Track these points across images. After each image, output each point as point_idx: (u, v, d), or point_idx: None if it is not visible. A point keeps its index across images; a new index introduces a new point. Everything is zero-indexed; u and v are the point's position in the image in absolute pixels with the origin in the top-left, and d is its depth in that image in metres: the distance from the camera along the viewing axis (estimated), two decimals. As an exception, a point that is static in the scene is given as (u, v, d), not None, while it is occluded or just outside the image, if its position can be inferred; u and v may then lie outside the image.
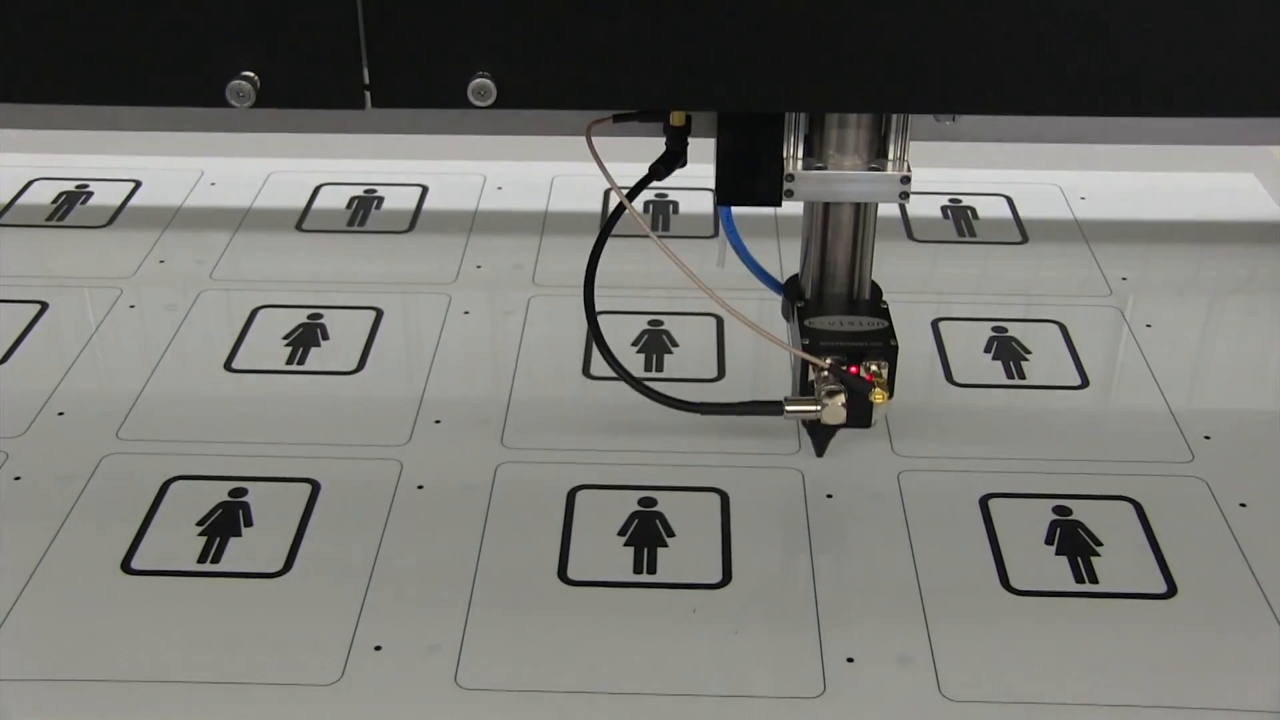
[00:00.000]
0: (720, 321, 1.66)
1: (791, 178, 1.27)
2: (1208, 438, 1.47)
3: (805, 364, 1.32)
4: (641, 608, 1.25)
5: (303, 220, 1.92)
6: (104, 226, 1.90)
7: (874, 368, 1.30)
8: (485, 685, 1.18)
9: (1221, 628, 1.24)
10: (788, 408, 1.33)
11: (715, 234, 1.86)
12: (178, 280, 1.77)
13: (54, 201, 1.96)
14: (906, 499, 1.38)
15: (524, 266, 1.79)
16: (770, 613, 1.25)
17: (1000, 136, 1.42)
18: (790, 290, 1.41)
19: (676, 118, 1.30)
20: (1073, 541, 1.33)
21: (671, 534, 1.34)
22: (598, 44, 1.11)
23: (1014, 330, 1.66)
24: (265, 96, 1.12)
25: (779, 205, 1.29)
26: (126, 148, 2.08)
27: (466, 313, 1.69)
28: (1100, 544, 1.33)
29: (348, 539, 1.33)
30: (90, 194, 1.98)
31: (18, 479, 1.40)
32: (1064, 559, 1.31)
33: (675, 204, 1.94)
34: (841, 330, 1.31)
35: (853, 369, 1.30)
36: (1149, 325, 1.67)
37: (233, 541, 1.33)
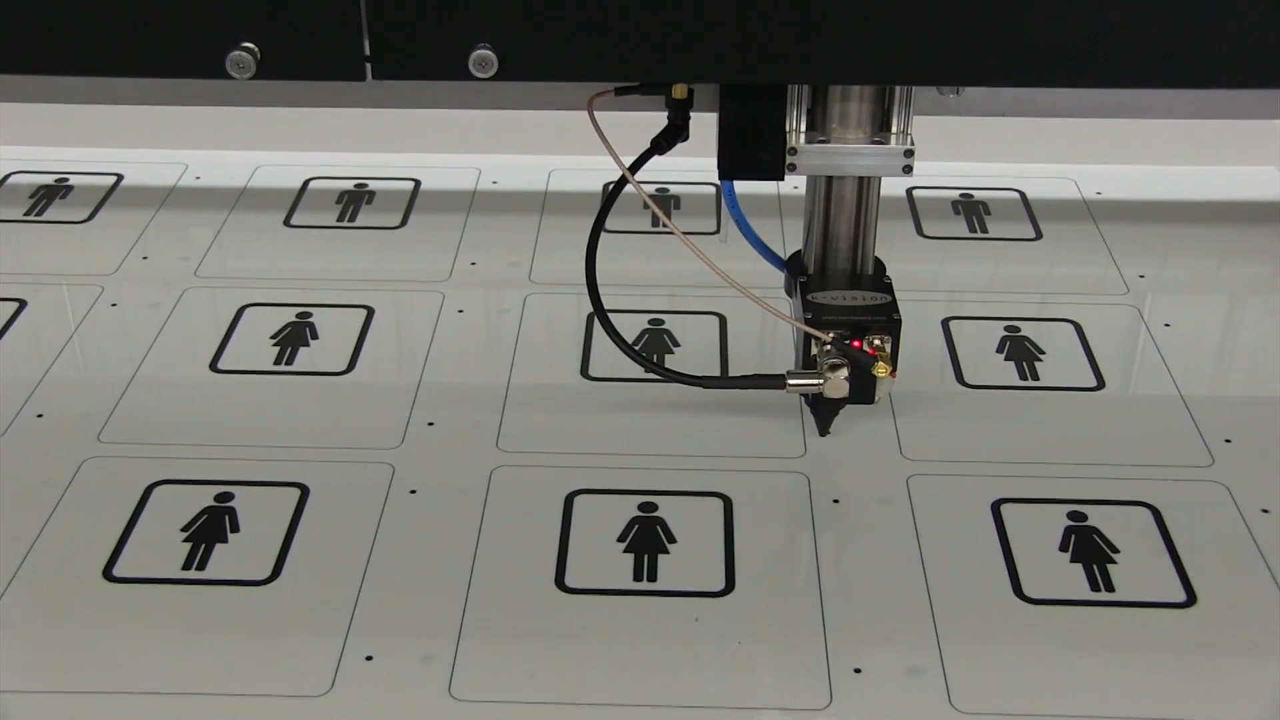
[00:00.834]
0: (723, 321, 1.67)
1: (794, 151, 1.30)
2: (1228, 441, 1.47)
3: (808, 338, 1.34)
4: (642, 616, 1.26)
5: (291, 215, 1.92)
6: (84, 221, 1.90)
7: (877, 341, 1.32)
8: (480, 697, 1.18)
9: (1242, 638, 1.24)
10: (790, 381, 1.35)
11: (718, 230, 1.86)
12: (161, 277, 1.77)
13: (32, 195, 1.96)
14: (916, 504, 1.38)
15: (520, 263, 1.80)
16: (775, 622, 1.25)
17: (1004, 111, 1.43)
18: (793, 266, 1.43)
19: (678, 91, 1.32)
20: (1088, 548, 1.33)
21: (673, 540, 1.34)
22: (599, 15, 1.13)
23: (1027, 330, 1.66)
24: (265, 68, 1.14)
25: (781, 179, 1.32)
26: (108, 140, 2.08)
27: (460, 311, 1.70)
28: (1117, 551, 1.33)
29: (338, 545, 1.33)
30: (70, 188, 1.98)
31: (-4, 483, 1.41)
32: (1079, 566, 1.31)
33: (677, 199, 1.94)
34: (844, 304, 1.34)
35: (855, 343, 1.32)
36: (1167, 324, 1.68)
37: (219, 548, 1.33)
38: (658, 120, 1.36)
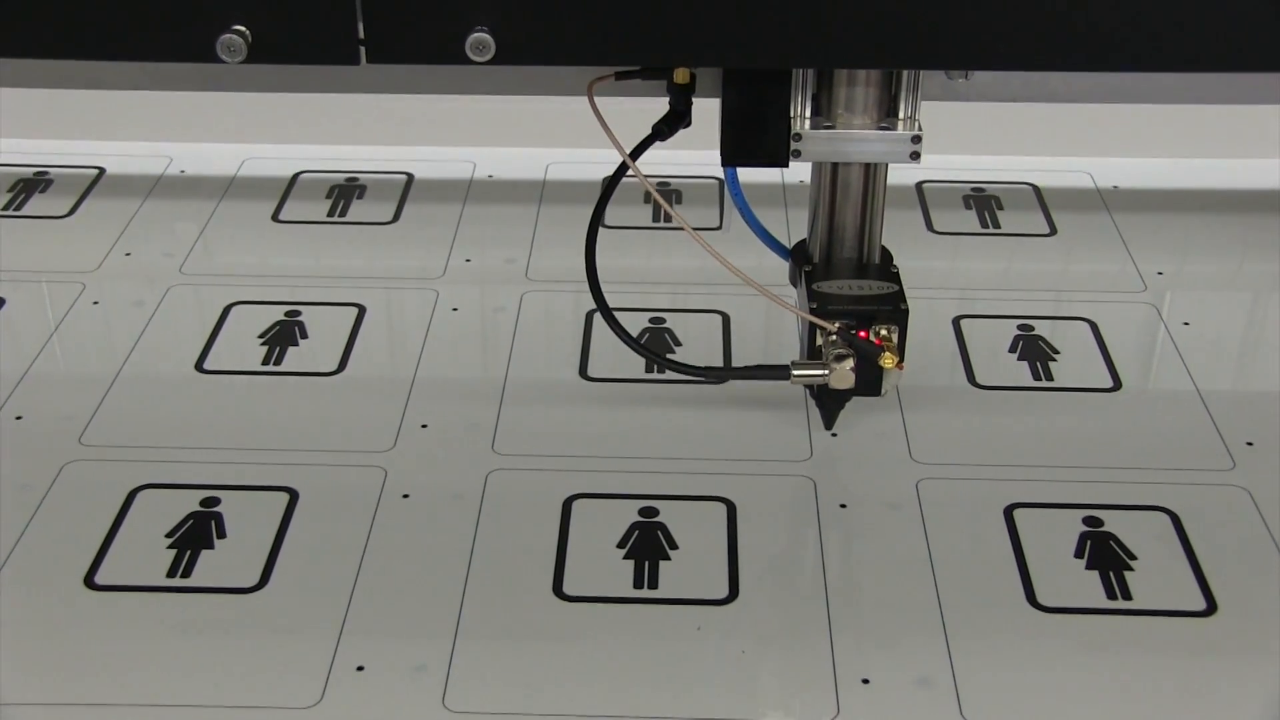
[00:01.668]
0: (726, 319, 1.67)
1: (799, 137, 1.30)
2: (1250, 443, 1.48)
3: (813, 329, 1.34)
4: (642, 625, 1.26)
5: (280, 210, 1.92)
6: (65, 216, 1.90)
7: (884, 332, 1.32)
8: (474, 708, 1.18)
9: (1264, 648, 1.24)
10: (795, 372, 1.35)
11: (721, 227, 1.87)
12: (145, 274, 1.77)
13: (11, 190, 1.96)
14: (926, 509, 1.39)
15: (516, 260, 1.80)
16: (780, 631, 1.26)
17: (1015, 96, 1.44)
18: (798, 255, 1.43)
19: (680, 75, 1.32)
20: (1104, 555, 1.33)
21: (674, 546, 1.34)
22: None
23: (1041, 328, 1.66)
24: (257, 51, 1.15)
25: (786, 165, 1.32)
26: (89, 131, 2.08)
27: (455, 309, 1.70)
28: (1134, 558, 1.33)
29: (328, 552, 1.34)
30: (50, 182, 1.98)
31: (-26, 487, 1.41)
32: (1095, 574, 1.31)
33: (678, 193, 1.94)
34: (850, 294, 1.34)
35: (862, 333, 1.33)
36: (1186, 323, 1.68)
37: (204, 554, 1.33)
38: (658, 108, 1.36)
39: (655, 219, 1.88)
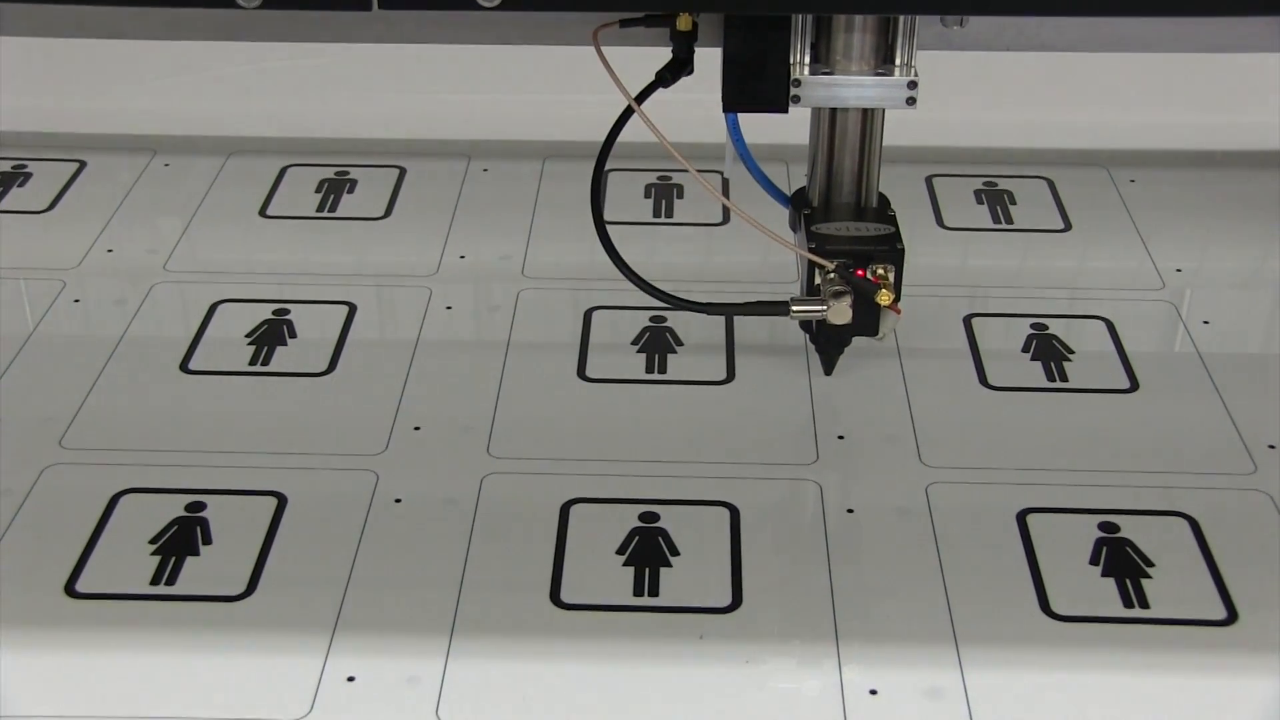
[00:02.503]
0: (729, 318, 1.67)
1: (798, 83, 1.38)
2: (1272, 447, 1.48)
3: (811, 269, 1.42)
4: (642, 634, 1.26)
5: (267, 205, 1.92)
6: (45, 211, 1.91)
7: (880, 271, 1.41)
8: (470, 720, 1.18)
9: (1285, 657, 1.24)
10: (794, 307, 1.43)
11: (725, 221, 1.87)
12: (127, 272, 1.78)
13: (-10, 184, 1.96)
14: (936, 514, 1.39)
15: (512, 257, 1.80)
16: (785, 640, 1.26)
17: (1008, 45, 1.49)
18: (797, 201, 1.51)
19: (683, 22, 1.38)
20: (1121, 562, 1.34)
21: (676, 552, 1.35)
22: None
23: (1055, 327, 1.66)
24: None
25: (785, 111, 1.40)
26: (70, 123, 2.08)
27: (449, 308, 1.70)
28: (1151, 564, 1.33)
29: (317, 558, 1.34)
30: (29, 175, 1.99)
31: (-49, 492, 1.41)
32: (1111, 581, 1.31)
33: (680, 187, 1.95)
34: (848, 235, 1.43)
35: (859, 272, 1.41)
36: (1206, 322, 1.68)
37: (190, 561, 1.33)
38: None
39: (656, 214, 1.89)
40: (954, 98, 1.81)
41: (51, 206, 1.91)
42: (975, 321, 1.68)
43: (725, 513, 1.39)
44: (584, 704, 1.19)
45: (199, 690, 1.20)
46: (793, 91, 1.38)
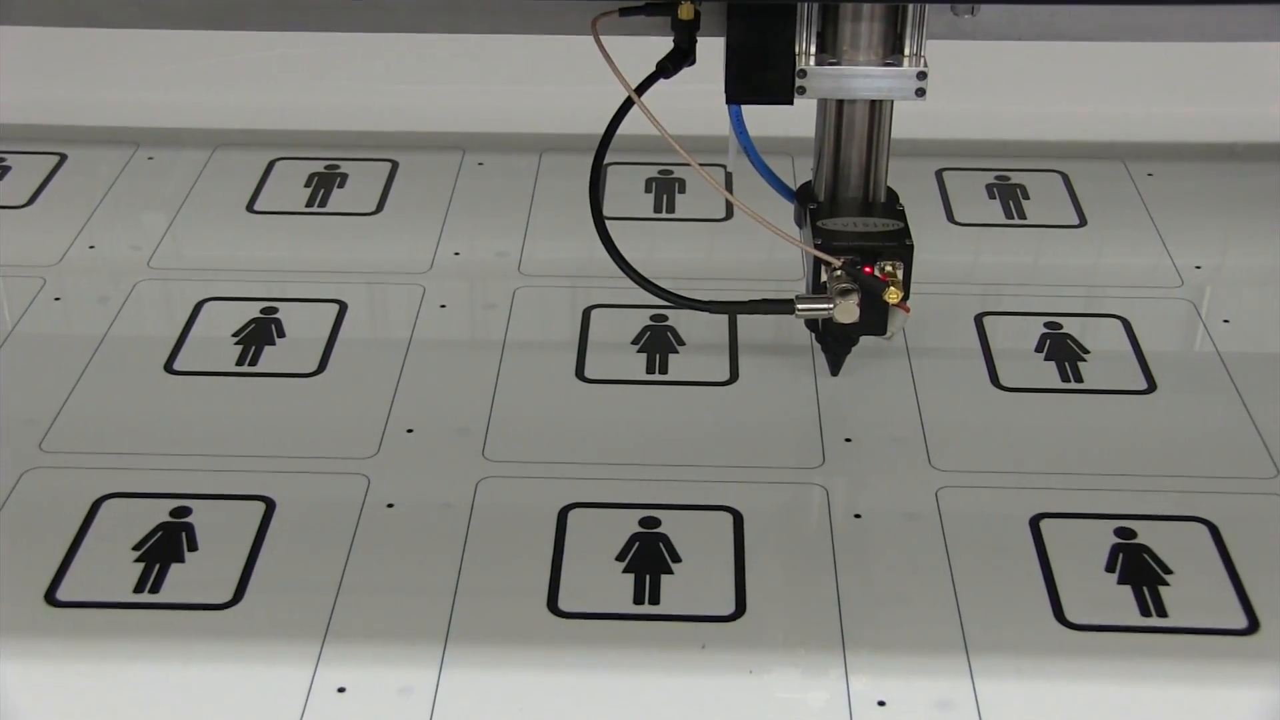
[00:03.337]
0: (733, 317, 1.67)
1: (804, 74, 1.37)
2: (1293, 450, 1.48)
3: (817, 265, 1.42)
4: (643, 643, 1.26)
5: (255, 199, 1.92)
6: (24, 206, 1.91)
7: (889, 268, 1.40)
8: (464, 733, 1.19)
9: (1308, 667, 1.24)
10: (799, 305, 1.42)
11: (728, 216, 1.87)
12: (110, 268, 1.78)
13: (-32, 178, 1.97)
14: (946, 520, 1.39)
15: (508, 253, 1.80)
16: (790, 649, 1.26)
17: (1021, 35, 1.49)
18: (803, 195, 1.50)
19: (685, 10, 1.37)
20: (1138, 569, 1.34)
21: (677, 559, 1.35)
22: None
23: (1070, 326, 1.67)
24: None
25: (790, 103, 1.39)
26: (50, 114, 2.08)
27: (443, 306, 1.70)
28: (1170, 571, 1.33)
29: (307, 565, 1.34)
30: (7, 168, 1.99)
31: (-72, 496, 1.41)
32: (1127, 589, 1.32)
33: (682, 182, 1.95)
34: (855, 231, 1.42)
35: (867, 269, 1.40)
36: (1226, 321, 1.68)
37: (174, 568, 1.33)
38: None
39: (657, 209, 1.89)
40: (965, 88, 1.81)
41: (31, 201, 1.92)
42: (987, 320, 1.68)
43: (728, 518, 1.39)
44: (582, 715, 1.19)
45: (184, 702, 1.20)
46: (798, 83, 1.37)
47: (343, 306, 1.70)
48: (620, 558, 1.35)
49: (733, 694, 1.21)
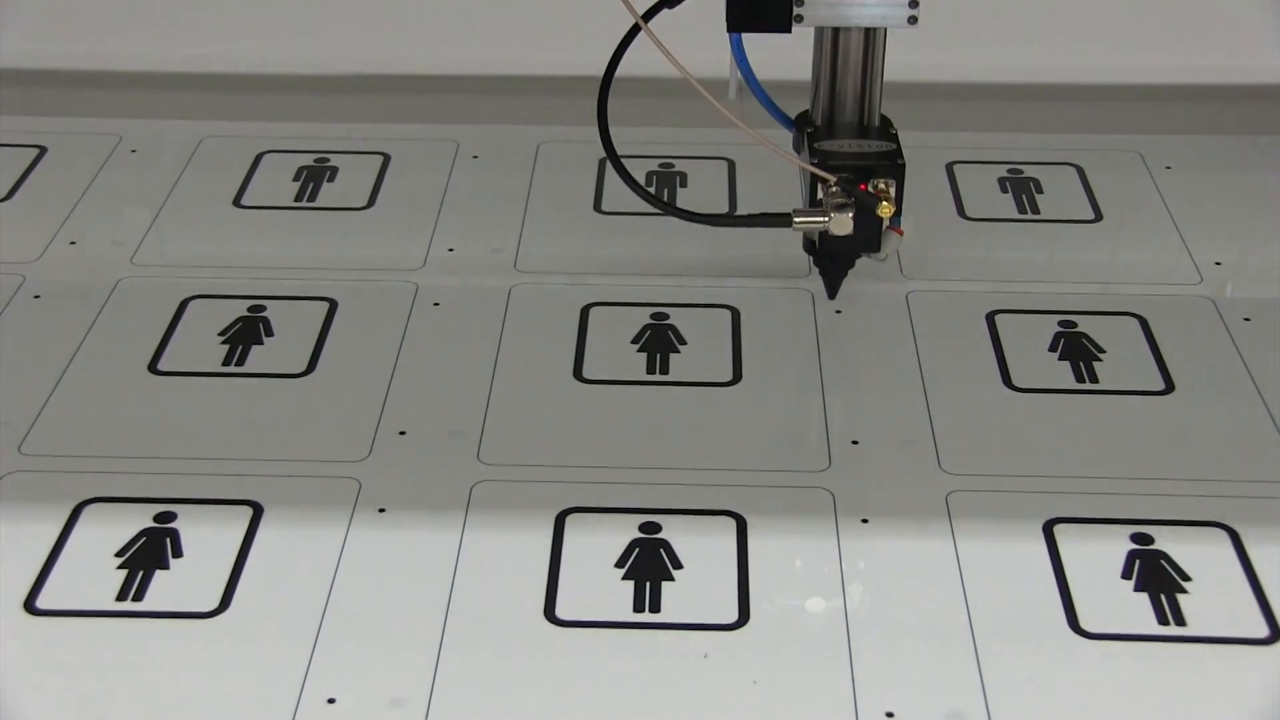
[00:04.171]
0: (736, 315, 1.67)
1: (801, 3, 1.50)
2: (1316, 452, 1.48)
3: (814, 185, 1.55)
4: (643, 653, 1.26)
5: (242, 194, 1.92)
6: (3, 200, 1.91)
7: (881, 185, 1.53)
8: (458, 745, 1.19)
9: (1331, 677, 1.25)
10: (796, 219, 1.55)
11: (731, 208, 1.87)
12: (92, 265, 1.78)
13: (-56, 172, 1.97)
14: (956, 525, 1.39)
15: (504, 250, 1.80)
16: (795, 659, 1.26)
17: None
18: (801, 122, 1.63)
19: None
20: (1155, 576, 1.34)
21: (679, 565, 1.35)
22: None
23: (1085, 324, 1.67)
24: None
25: (788, 30, 1.51)
26: (28, 106, 2.09)
27: (436, 304, 1.70)
28: (1188, 579, 1.33)
29: (296, 573, 1.34)
30: (-12, 163, 1.99)
31: (-97, 501, 1.41)
32: (1144, 596, 1.32)
33: (683, 175, 1.95)
34: (850, 151, 1.56)
35: (861, 187, 1.53)
36: (1247, 319, 1.68)
37: (159, 575, 1.33)
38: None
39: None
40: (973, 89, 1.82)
41: (9, 195, 1.92)
42: (999, 318, 1.68)
43: (731, 523, 1.39)
44: (580, 727, 1.20)
45: (168, 713, 1.20)
46: (795, 11, 1.50)
47: (333, 304, 1.70)
48: (620, 564, 1.35)
49: (736, 705, 1.22)
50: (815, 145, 1.57)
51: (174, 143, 2.03)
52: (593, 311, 1.68)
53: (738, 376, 1.59)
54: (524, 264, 1.77)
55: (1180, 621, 1.29)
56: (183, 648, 1.26)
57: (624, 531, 1.38)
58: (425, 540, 1.37)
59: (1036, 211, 1.89)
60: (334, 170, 1.97)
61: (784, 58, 1.60)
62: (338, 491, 1.43)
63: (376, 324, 1.67)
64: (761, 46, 1.54)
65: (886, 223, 1.56)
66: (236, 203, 1.91)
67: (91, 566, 1.34)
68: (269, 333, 1.65)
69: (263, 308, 1.69)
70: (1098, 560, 1.35)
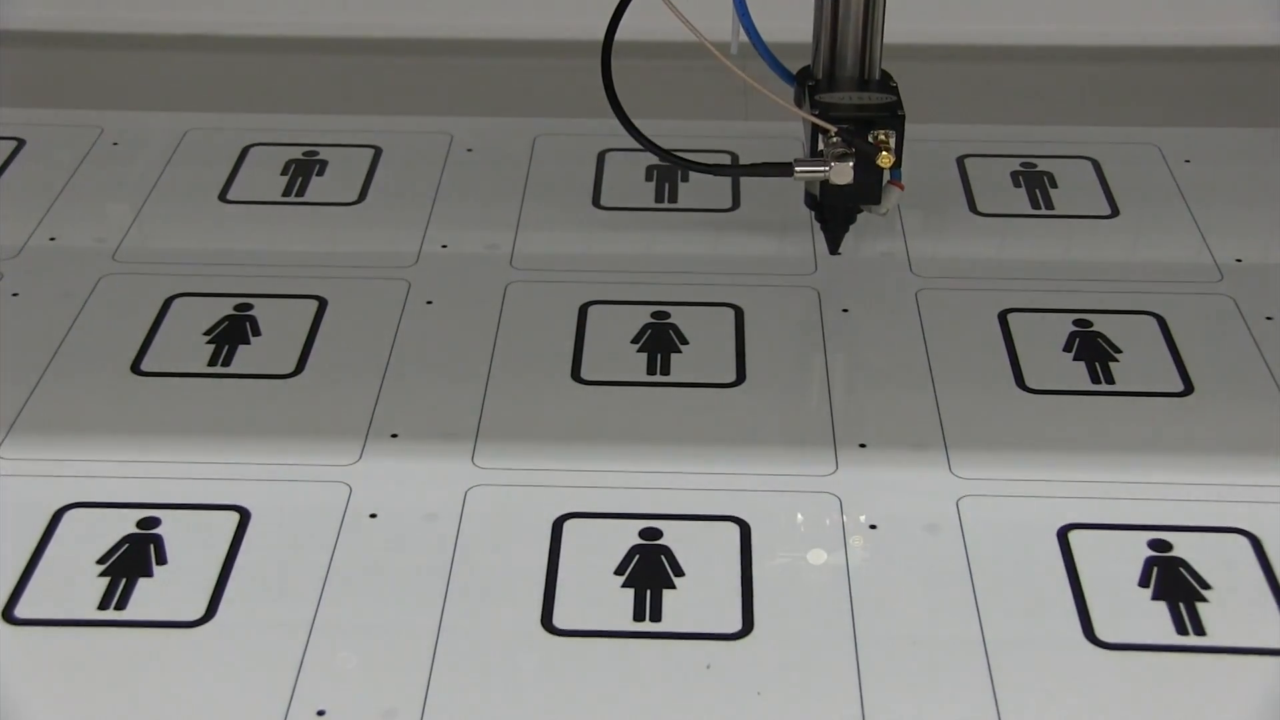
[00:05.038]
0: (739, 313, 1.67)
1: None
2: (1339, 456, 1.48)
3: (815, 136, 1.62)
4: (643, 663, 1.26)
5: (228, 188, 1.93)
6: (-18, 196, 1.91)
7: (881, 136, 1.59)
8: (452, 759, 1.19)
9: (1355, 689, 1.25)
10: (797, 168, 1.62)
11: (733, 206, 1.87)
12: (73, 262, 1.78)
13: (-80, 165, 1.97)
14: (967, 531, 1.39)
15: (499, 246, 1.80)
16: (800, 669, 1.26)
17: None
18: (802, 77, 1.70)
19: None
20: (1173, 584, 1.34)
21: (680, 573, 1.35)
22: None
23: (1101, 324, 1.67)
24: None
25: None
26: (7, 98, 2.09)
27: (429, 302, 1.70)
28: (1208, 587, 1.34)
29: (284, 580, 1.34)
30: (-35, 156, 1.99)
31: (-122, 506, 1.41)
32: (1162, 605, 1.32)
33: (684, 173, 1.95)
34: (851, 103, 1.63)
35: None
36: (1269, 318, 1.68)
37: (142, 583, 1.34)
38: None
39: (659, 199, 1.89)
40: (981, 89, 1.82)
41: (-12, 190, 1.92)
42: (1012, 317, 1.68)
43: (734, 529, 1.39)
44: (579, 740, 1.20)
45: (153, 725, 1.21)
46: None
47: (322, 303, 1.70)
48: (619, 571, 1.35)
49: (740, 717, 1.22)
50: (816, 97, 1.64)
51: (157, 134, 2.03)
52: (591, 310, 1.68)
53: (741, 377, 1.59)
54: (520, 261, 1.77)
55: (1200, 631, 1.29)
56: (167, 658, 1.26)
57: (624, 538, 1.38)
58: (418, 547, 1.37)
59: (1051, 206, 1.89)
60: (323, 164, 1.97)
61: (784, 23, 1.65)
62: (328, 496, 1.43)
63: (367, 323, 1.67)
64: (764, 8, 1.58)
65: (887, 175, 1.61)
66: (222, 197, 1.91)
67: (72, 574, 1.34)
68: (256, 332, 1.65)
69: (249, 306, 1.69)
70: (1114, 568, 1.35)
